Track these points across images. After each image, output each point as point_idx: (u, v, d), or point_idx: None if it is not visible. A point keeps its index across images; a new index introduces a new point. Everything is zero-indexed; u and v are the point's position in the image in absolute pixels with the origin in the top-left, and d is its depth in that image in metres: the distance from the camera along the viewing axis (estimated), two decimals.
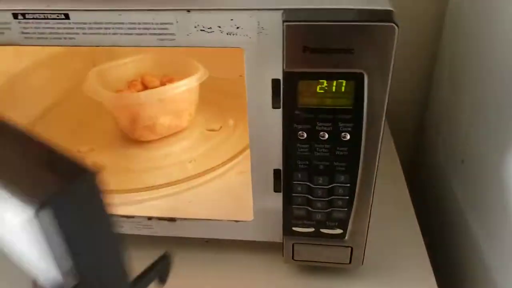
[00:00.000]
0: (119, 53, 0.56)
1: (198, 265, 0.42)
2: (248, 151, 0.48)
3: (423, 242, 0.43)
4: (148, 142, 0.50)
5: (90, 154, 0.48)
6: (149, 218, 0.40)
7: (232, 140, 0.50)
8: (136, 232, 0.41)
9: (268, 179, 0.36)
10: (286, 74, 0.28)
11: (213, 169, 0.45)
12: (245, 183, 0.44)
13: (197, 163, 0.47)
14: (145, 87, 0.51)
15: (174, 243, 0.43)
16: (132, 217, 0.40)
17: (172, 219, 0.39)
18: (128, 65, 0.54)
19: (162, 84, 0.51)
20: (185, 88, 0.47)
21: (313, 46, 0.27)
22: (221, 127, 0.53)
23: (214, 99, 0.56)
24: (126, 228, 0.40)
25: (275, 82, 0.30)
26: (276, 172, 0.35)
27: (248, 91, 0.31)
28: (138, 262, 0.42)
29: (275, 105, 0.31)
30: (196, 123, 0.53)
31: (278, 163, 0.34)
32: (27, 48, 0.54)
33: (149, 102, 0.47)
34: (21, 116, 0.53)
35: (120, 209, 0.40)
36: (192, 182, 0.43)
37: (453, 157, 0.53)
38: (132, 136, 0.50)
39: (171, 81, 0.51)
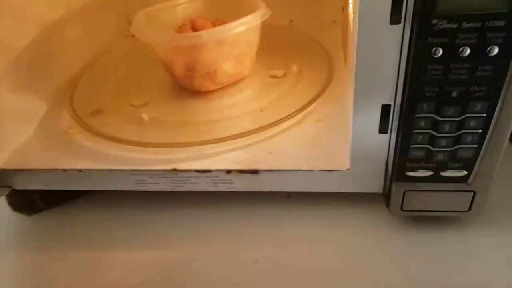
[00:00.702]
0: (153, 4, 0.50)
1: (282, 223, 0.38)
2: (321, 99, 0.43)
3: None
4: (206, 93, 0.45)
5: (145, 108, 0.43)
6: (228, 172, 0.35)
7: (300, 87, 0.45)
8: (211, 188, 0.36)
9: (373, 118, 0.30)
10: None
11: (289, 116, 0.39)
12: (326, 131, 0.39)
13: (269, 111, 0.41)
14: None
15: (252, 199, 0.39)
16: (209, 171, 0.35)
17: (255, 171, 0.35)
18: (177, 8, 0.48)
19: None
20: (248, 26, 0.41)
21: None
22: (284, 73, 0.47)
23: (269, 46, 0.50)
24: (202, 185, 0.36)
25: None
26: (385, 108, 0.29)
27: (360, 2, 0.25)
28: (216, 221, 0.39)
29: (394, 19, 0.25)
30: (256, 71, 0.48)
31: (388, 97, 0.29)
32: None
33: (208, 46, 0.41)
34: (62, 70, 0.49)
35: (193, 163, 0.36)
36: (268, 132, 0.38)
37: None
38: (189, 87, 0.45)
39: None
